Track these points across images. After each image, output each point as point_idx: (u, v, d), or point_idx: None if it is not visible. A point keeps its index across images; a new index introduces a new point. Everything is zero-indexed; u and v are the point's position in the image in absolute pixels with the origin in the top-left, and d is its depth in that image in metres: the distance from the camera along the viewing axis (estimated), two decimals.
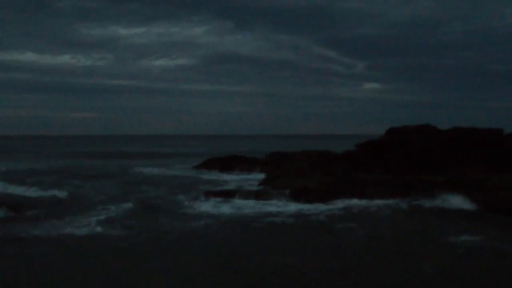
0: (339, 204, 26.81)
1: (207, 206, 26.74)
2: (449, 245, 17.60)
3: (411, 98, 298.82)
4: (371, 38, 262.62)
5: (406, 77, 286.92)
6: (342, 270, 14.71)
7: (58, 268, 14.93)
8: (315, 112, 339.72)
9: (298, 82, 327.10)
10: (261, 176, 40.06)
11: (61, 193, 30.76)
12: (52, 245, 17.75)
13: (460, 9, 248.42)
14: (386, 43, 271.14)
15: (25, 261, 15.59)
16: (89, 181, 39.96)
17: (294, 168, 39.27)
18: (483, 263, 15.43)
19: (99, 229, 20.52)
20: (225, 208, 26.11)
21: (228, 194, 29.83)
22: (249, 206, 26.56)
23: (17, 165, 60.15)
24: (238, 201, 28.20)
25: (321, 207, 26.23)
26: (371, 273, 14.29)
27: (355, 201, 27.24)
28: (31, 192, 31.46)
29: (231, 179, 42.60)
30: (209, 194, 30.27)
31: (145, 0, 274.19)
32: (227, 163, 51.20)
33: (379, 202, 26.77)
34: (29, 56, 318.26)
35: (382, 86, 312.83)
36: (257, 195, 29.18)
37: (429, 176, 29.35)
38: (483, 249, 17.12)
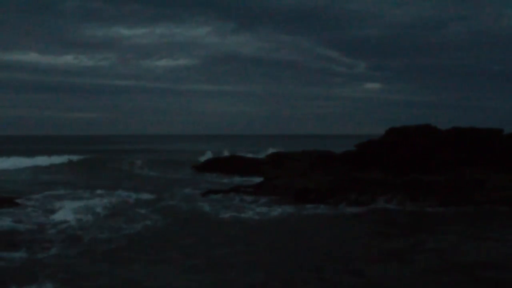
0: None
1: (205, 207, 26.61)
2: None
3: (411, 98, 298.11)
4: (372, 38, 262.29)
5: (407, 77, 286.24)
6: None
7: None
8: (316, 112, 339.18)
9: (300, 82, 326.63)
10: (261, 176, 39.93)
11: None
12: None
13: (460, 10, 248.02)
14: (388, 44, 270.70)
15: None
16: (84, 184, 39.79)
17: (294, 168, 39.14)
18: None
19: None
20: (223, 210, 25.98)
21: (226, 195, 29.72)
22: (247, 207, 26.44)
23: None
24: (236, 202, 28.09)
25: (323, 209, 25.71)
26: None
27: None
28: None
29: (231, 179, 42.55)
30: (207, 195, 30.19)
31: (148, 1, 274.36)
32: (227, 164, 51.09)
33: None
34: (31, 57, 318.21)
35: (383, 86, 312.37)
36: (256, 196, 29.09)
37: (429, 176, 29.23)
38: None
